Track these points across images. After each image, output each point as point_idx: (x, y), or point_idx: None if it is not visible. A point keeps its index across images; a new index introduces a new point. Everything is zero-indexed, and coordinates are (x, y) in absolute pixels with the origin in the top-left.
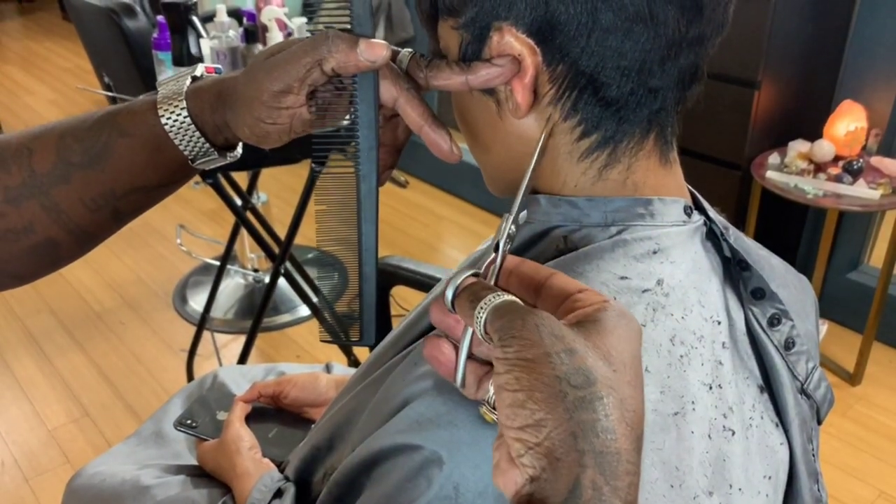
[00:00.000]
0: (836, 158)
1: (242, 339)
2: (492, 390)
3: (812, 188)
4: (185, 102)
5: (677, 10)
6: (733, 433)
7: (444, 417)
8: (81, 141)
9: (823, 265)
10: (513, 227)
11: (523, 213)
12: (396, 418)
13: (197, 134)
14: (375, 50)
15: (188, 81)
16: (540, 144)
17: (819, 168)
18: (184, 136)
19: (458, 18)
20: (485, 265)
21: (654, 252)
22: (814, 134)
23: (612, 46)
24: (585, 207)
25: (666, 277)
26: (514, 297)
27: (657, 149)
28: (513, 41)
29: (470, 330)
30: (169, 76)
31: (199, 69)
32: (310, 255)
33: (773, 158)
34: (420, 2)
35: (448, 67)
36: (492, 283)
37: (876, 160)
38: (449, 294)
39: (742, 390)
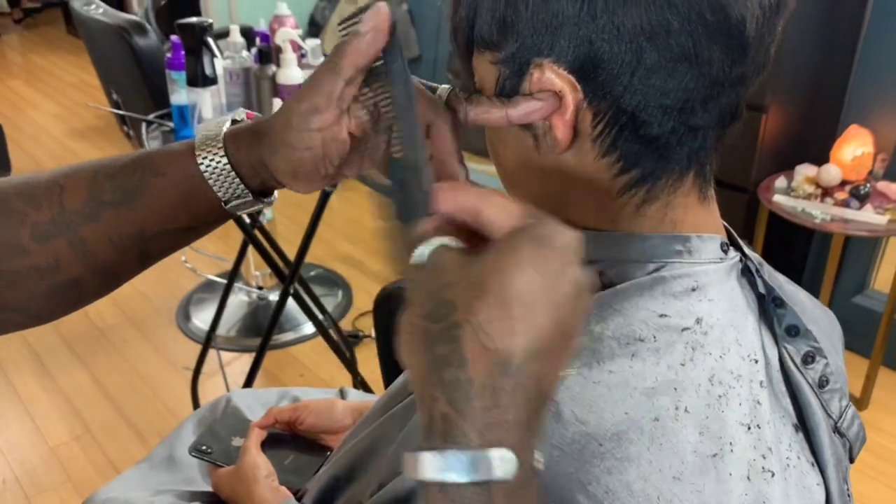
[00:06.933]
0: (843, 183)
1: (246, 356)
2: None
3: (819, 212)
4: (224, 149)
5: (722, 50)
6: (773, 474)
7: None
8: (113, 179)
9: (829, 289)
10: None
11: None
12: None
13: (236, 180)
14: (367, 20)
15: (227, 125)
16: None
17: (826, 192)
18: (223, 180)
19: (496, 53)
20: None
21: (693, 290)
22: (820, 158)
23: (656, 85)
24: (622, 243)
25: (705, 316)
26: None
27: (696, 186)
28: (554, 78)
29: None
30: (209, 120)
31: (240, 114)
32: (313, 273)
33: (780, 182)
34: (456, 35)
35: (488, 101)
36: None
37: (883, 185)
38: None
39: (779, 429)
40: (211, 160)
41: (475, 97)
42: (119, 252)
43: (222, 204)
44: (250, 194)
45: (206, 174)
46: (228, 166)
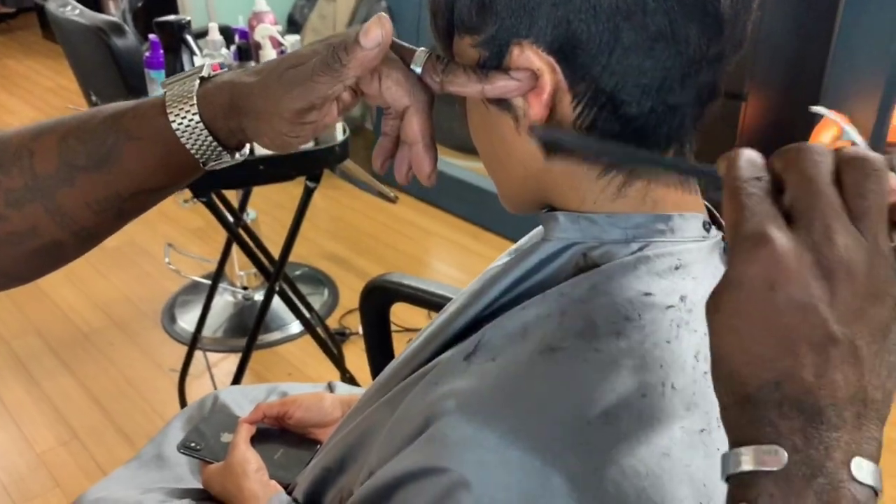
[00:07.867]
0: None
1: (233, 357)
2: None
3: None
4: (196, 107)
5: (698, 28)
6: None
7: (470, 439)
8: (86, 143)
9: None
10: None
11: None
12: (420, 440)
13: (209, 138)
14: (371, 35)
15: (196, 83)
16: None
17: None
18: (196, 139)
19: (476, 36)
20: None
21: (677, 268)
22: None
23: (633, 65)
24: (605, 224)
25: (689, 293)
26: None
27: None
28: (532, 57)
29: None
30: (173, 77)
31: (206, 69)
32: (298, 272)
33: None
34: (436, 18)
35: (465, 74)
36: None
37: None
38: None
39: None
40: (183, 118)
41: (451, 67)
42: (96, 214)
43: (199, 163)
44: (227, 154)
45: (181, 135)
46: (201, 124)
